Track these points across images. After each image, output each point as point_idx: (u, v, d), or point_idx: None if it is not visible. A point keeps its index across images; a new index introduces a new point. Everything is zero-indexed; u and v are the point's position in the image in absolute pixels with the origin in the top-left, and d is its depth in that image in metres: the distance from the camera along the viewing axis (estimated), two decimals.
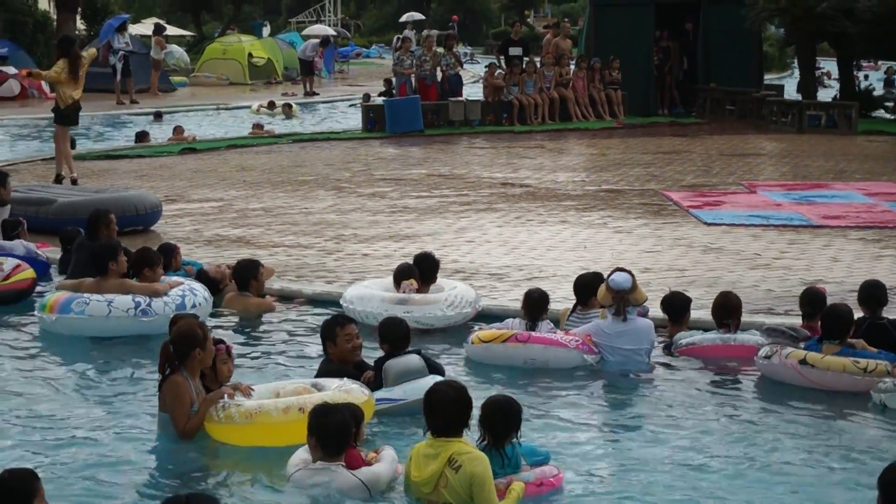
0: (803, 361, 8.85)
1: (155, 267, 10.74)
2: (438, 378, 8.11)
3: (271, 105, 32.70)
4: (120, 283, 10.50)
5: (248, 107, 33.57)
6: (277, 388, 8.04)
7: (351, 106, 35.53)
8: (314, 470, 6.81)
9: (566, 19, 38.48)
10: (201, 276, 11.55)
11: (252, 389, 7.83)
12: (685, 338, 9.76)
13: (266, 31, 60.56)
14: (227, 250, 13.59)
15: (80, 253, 11.75)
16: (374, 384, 8.30)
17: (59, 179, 18.09)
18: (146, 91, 36.91)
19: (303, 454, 6.95)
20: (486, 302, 11.02)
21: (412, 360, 8.45)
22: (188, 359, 7.76)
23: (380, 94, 32.04)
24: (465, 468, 6.50)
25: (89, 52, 18.90)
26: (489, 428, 6.82)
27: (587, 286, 10.08)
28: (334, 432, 6.82)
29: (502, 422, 6.82)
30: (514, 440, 6.87)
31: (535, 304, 9.87)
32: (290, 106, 32.48)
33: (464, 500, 6.50)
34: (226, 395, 7.68)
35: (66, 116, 18.17)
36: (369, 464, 6.94)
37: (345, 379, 7.99)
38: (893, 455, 7.68)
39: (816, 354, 8.86)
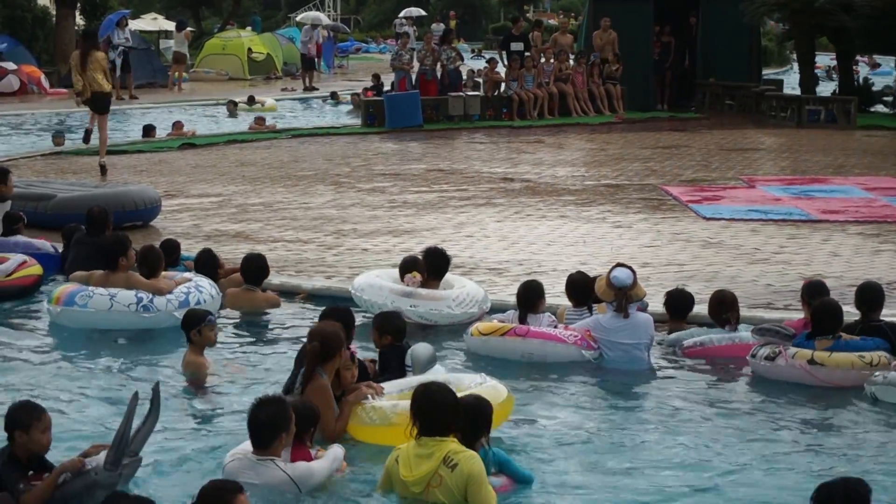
0: (812, 361, 8.88)
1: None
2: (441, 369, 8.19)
3: (250, 100, 32.40)
4: (127, 277, 10.54)
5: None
6: (402, 385, 7.89)
7: (325, 101, 35.91)
8: (241, 462, 6.71)
9: (571, 13, 38.41)
10: None
11: (382, 389, 7.75)
12: (689, 337, 9.75)
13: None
14: (226, 245, 13.60)
15: (79, 248, 11.77)
16: (379, 376, 8.33)
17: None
18: (145, 87, 36.82)
19: (247, 445, 6.81)
20: None
21: (429, 347, 8.49)
22: (331, 361, 7.68)
23: (365, 90, 31.85)
24: (461, 466, 6.47)
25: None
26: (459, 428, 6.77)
27: (582, 286, 10.11)
28: (262, 425, 6.70)
29: (471, 422, 6.81)
30: (486, 445, 6.87)
31: (521, 298, 9.89)
32: (234, 104, 31.73)
33: (457, 499, 6.46)
34: (370, 396, 7.61)
35: (88, 102, 18.94)
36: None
37: (482, 374, 7.93)
38: (888, 450, 7.72)
39: (824, 353, 8.89)
